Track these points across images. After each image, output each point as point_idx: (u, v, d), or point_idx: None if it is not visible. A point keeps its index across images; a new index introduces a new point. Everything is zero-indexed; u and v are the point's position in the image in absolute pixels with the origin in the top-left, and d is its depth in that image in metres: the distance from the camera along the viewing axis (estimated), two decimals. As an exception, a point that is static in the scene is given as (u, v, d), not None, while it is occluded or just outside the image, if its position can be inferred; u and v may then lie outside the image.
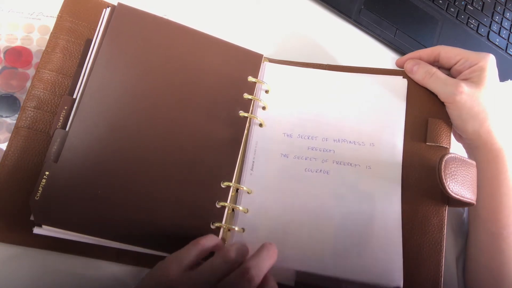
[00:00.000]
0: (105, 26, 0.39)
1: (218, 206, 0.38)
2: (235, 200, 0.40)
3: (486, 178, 0.42)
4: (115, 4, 0.40)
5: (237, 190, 0.40)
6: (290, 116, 0.43)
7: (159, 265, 0.32)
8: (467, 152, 0.45)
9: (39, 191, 0.34)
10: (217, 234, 0.38)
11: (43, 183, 0.34)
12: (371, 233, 0.38)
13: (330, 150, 0.41)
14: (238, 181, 0.40)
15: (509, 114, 0.43)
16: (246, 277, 0.30)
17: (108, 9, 0.40)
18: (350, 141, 0.42)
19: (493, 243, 0.42)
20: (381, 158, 0.41)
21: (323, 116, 0.43)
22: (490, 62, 0.41)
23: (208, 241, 0.34)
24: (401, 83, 0.44)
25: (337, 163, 0.41)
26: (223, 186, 0.39)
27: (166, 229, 0.37)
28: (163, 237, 0.36)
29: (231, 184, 0.39)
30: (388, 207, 0.39)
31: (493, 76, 0.41)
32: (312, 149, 0.42)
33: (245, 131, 0.41)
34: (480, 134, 0.41)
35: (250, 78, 0.43)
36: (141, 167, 0.37)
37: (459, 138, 0.44)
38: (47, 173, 0.35)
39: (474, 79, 0.40)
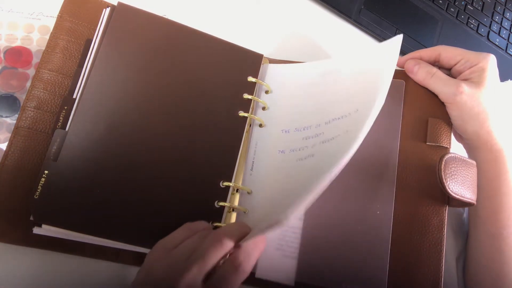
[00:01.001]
0: (105, 26, 0.39)
1: (217, 206, 0.38)
2: (235, 200, 0.40)
3: (486, 178, 0.41)
4: (115, 4, 0.40)
5: (237, 190, 0.40)
6: (290, 116, 0.43)
7: (150, 253, 0.33)
8: (468, 152, 0.45)
9: (38, 190, 0.34)
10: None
11: (43, 182, 0.34)
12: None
13: (320, 134, 0.40)
14: (238, 181, 0.40)
15: (509, 114, 0.43)
16: (216, 239, 0.30)
17: (108, 9, 0.40)
18: (338, 118, 0.39)
19: (493, 243, 0.42)
20: (361, 117, 0.36)
21: (321, 106, 0.42)
22: (490, 62, 0.41)
23: (197, 225, 0.35)
24: (395, 40, 0.40)
25: (323, 143, 0.39)
26: (222, 186, 0.39)
27: (165, 228, 0.36)
28: (162, 236, 0.36)
29: (230, 184, 0.39)
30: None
31: (494, 76, 0.41)
32: (306, 139, 0.41)
33: (245, 131, 0.41)
34: (480, 135, 0.41)
35: (250, 78, 0.43)
36: (140, 166, 0.37)
37: (460, 138, 0.44)
38: (46, 172, 0.35)
39: (475, 80, 0.40)
